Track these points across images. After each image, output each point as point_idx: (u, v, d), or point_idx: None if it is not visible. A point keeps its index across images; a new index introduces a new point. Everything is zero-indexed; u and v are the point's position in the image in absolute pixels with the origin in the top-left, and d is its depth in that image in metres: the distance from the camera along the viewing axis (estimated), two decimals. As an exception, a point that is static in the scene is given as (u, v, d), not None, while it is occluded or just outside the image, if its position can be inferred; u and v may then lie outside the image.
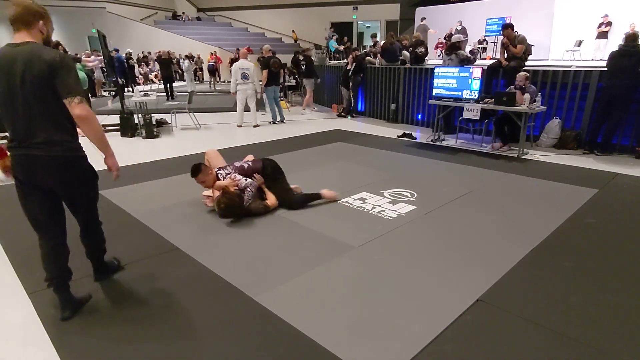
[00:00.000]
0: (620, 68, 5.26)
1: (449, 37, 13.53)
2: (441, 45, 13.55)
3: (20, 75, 1.94)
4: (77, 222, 2.33)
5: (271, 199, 3.66)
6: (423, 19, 14.09)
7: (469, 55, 7.29)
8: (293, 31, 23.97)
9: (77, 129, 2.09)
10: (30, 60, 1.94)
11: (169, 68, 12.79)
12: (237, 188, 3.48)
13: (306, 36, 23.06)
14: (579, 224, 3.36)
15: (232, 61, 18.16)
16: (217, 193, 3.50)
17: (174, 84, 13.28)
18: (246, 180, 3.56)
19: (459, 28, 13.73)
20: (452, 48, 6.95)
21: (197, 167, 3.60)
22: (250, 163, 3.83)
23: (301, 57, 10.27)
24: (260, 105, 9.10)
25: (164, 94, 12.51)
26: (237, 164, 3.81)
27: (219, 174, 3.64)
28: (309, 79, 10.14)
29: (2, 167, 2.33)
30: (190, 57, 17.29)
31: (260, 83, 8.35)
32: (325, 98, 11.30)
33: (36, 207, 2.12)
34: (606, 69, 5.50)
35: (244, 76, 7.74)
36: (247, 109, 8.09)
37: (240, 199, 3.39)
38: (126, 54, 15.81)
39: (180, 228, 3.33)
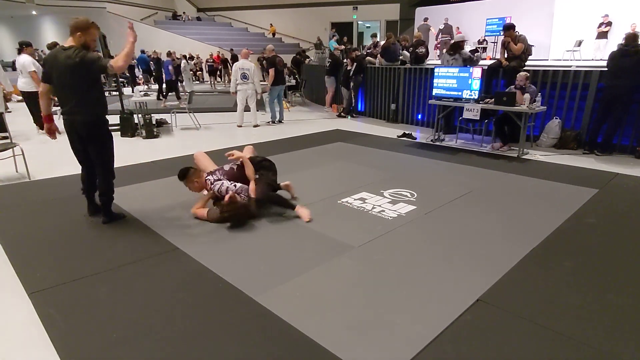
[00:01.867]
0: (621, 68, 5.26)
1: (439, 36, 13.61)
2: (439, 45, 13.57)
3: (62, 68, 3.01)
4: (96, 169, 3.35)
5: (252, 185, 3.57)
6: (426, 19, 14.09)
7: (472, 55, 7.26)
8: (271, 25, 24.08)
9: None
10: (67, 58, 2.98)
11: (159, 68, 12.80)
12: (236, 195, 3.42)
13: (306, 36, 23.06)
14: (579, 224, 3.36)
15: (224, 62, 18.30)
16: (202, 202, 3.53)
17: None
18: (235, 186, 3.48)
19: (442, 27, 13.74)
20: (456, 47, 6.93)
21: (184, 172, 3.62)
22: (239, 164, 3.73)
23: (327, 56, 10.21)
24: (260, 105, 9.10)
25: (159, 93, 12.57)
26: (227, 167, 3.74)
27: (208, 180, 3.59)
28: (329, 77, 10.05)
29: (47, 130, 3.40)
30: (187, 57, 17.29)
31: (265, 83, 8.34)
32: (325, 97, 11.30)
33: (75, 148, 3.32)
34: (606, 69, 5.50)
35: (244, 76, 7.74)
36: (247, 108, 8.10)
37: (245, 209, 3.36)
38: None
39: (180, 228, 3.33)
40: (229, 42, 20.76)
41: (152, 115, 7.43)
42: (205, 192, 3.70)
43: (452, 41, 7.14)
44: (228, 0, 25.96)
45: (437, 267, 2.69)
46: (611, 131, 5.54)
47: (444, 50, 7.86)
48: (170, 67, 11.41)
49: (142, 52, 15.65)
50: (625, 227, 3.31)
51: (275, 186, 3.75)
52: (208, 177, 3.62)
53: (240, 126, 8.09)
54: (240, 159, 3.66)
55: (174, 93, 11.83)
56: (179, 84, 14.08)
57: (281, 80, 8.66)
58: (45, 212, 3.69)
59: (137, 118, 7.37)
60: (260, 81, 8.35)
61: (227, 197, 3.34)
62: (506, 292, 2.40)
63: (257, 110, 8.36)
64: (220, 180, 3.57)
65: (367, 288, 2.46)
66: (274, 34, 23.96)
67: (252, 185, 3.56)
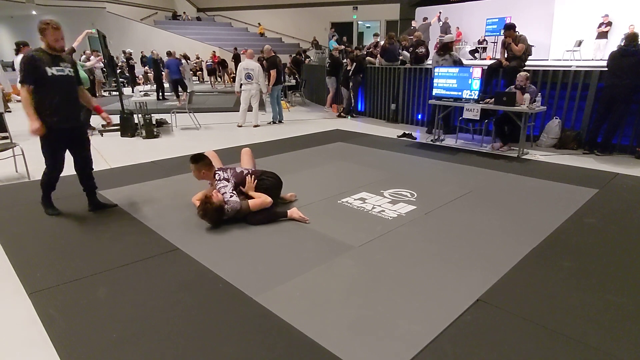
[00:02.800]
0: (621, 68, 5.27)
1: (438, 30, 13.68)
2: (438, 45, 13.60)
3: None
4: None
5: (256, 201, 3.44)
6: (425, 18, 14.10)
7: (461, 58, 7.37)
8: (259, 24, 24.14)
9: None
10: None
11: (158, 68, 12.81)
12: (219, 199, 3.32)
13: (306, 36, 23.07)
14: (579, 224, 3.36)
15: (220, 63, 18.35)
16: (202, 194, 3.47)
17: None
18: (231, 196, 3.33)
19: (440, 24, 13.76)
20: (446, 48, 6.97)
21: (200, 156, 3.55)
22: (250, 170, 3.67)
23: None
24: (261, 105, 9.11)
25: (158, 93, 12.60)
26: (238, 169, 3.65)
27: (217, 174, 3.52)
28: (329, 77, 10.01)
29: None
30: (186, 57, 17.33)
31: (267, 84, 8.36)
32: (325, 97, 11.30)
33: None
34: (606, 69, 5.50)
35: (248, 76, 7.75)
36: (250, 108, 8.12)
37: (218, 213, 3.27)
38: (126, 53, 15.89)
39: (181, 228, 3.33)
40: (229, 42, 20.79)
41: (152, 115, 7.43)
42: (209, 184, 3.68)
43: (442, 41, 7.18)
44: (228, 0, 25.96)
45: (437, 267, 2.69)
46: (611, 131, 5.54)
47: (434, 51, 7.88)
48: (181, 67, 11.42)
49: (152, 53, 15.71)
50: (625, 227, 3.30)
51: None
52: (218, 172, 3.53)
53: (241, 126, 8.10)
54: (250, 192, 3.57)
55: (181, 91, 11.82)
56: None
57: (280, 80, 8.69)
58: (45, 212, 3.68)
59: (137, 118, 7.37)
60: (267, 83, 8.37)
61: (201, 194, 3.35)
62: (506, 292, 2.40)
63: (259, 110, 8.37)
64: (228, 182, 3.43)
65: (368, 288, 2.46)
66: (262, 34, 23.96)
67: (252, 201, 3.44)
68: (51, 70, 3.18)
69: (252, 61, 7.87)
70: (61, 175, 3.54)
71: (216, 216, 3.28)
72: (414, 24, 14.05)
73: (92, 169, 3.72)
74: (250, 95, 7.91)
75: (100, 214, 3.65)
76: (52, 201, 3.66)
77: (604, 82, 5.58)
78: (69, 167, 3.57)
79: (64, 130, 3.38)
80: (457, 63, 6.90)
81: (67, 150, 3.52)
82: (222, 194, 3.36)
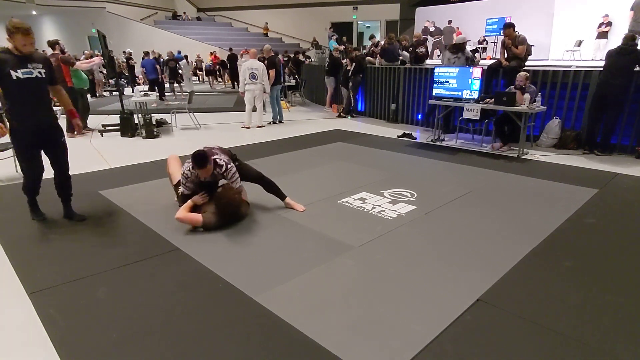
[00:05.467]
0: (617, 66, 5.27)
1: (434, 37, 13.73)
2: (438, 46, 13.63)
3: None
4: None
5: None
6: (450, 21, 14.16)
7: (474, 57, 7.32)
8: (266, 23, 24.41)
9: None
10: None
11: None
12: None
13: (306, 36, 23.10)
14: (579, 224, 3.36)
15: (221, 64, 18.31)
16: (187, 207, 3.33)
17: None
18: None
19: (432, 29, 13.80)
20: (458, 47, 6.95)
21: (204, 158, 3.18)
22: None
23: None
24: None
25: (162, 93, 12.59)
26: (217, 147, 3.61)
27: (217, 159, 3.33)
28: (328, 77, 9.99)
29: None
30: (185, 57, 17.33)
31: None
32: (325, 97, 11.29)
33: None
34: (603, 66, 5.50)
35: (253, 76, 7.70)
36: (254, 109, 8.07)
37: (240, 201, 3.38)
38: (126, 53, 15.91)
39: (180, 228, 3.33)
40: (229, 42, 20.78)
41: (152, 115, 7.44)
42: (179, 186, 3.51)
43: (454, 42, 7.15)
44: (228, 0, 25.97)
45: (437, 267, 2.69)
46: (609, 131, 5.54)
47: (446, 48, 7.83)
48: (158, 66, 11.54)
49: (179, 52, 15.72)
50: (625, 227, 3.30)
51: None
52: (217, 157, 3.34)
53: (248, 127, 7.99)
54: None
55: (171, 92, 11.88)
56: (178, 84, 14.11)
57: (280, 80, 8.69)
58: (45, 212, 3.68)
59: (137, 118, 7.37)
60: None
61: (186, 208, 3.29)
62: (506, 292, 2.40)
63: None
64: (233, 166, 3.43)
65: (368, 288, 2.46)
66: (266, 34, 23.98)
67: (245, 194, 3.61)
68: (16, 74, 3.05)
69: (257, 61, 7.82)
70: (62, 176, 3.51)
71: (240, 205, 3.38)
72: (426, 24, 14.01)
73: (69, 177, 3.55)
74: (254, 95, 7.86)
75: (100, 214, 3.65)
76: (39, 206, 3.58)
77: (599, 79, 5.58)
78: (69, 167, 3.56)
79: (29, 129, 3.19)
80: (469, 60, 6.86)
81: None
82: (236, 181, 3.41)
